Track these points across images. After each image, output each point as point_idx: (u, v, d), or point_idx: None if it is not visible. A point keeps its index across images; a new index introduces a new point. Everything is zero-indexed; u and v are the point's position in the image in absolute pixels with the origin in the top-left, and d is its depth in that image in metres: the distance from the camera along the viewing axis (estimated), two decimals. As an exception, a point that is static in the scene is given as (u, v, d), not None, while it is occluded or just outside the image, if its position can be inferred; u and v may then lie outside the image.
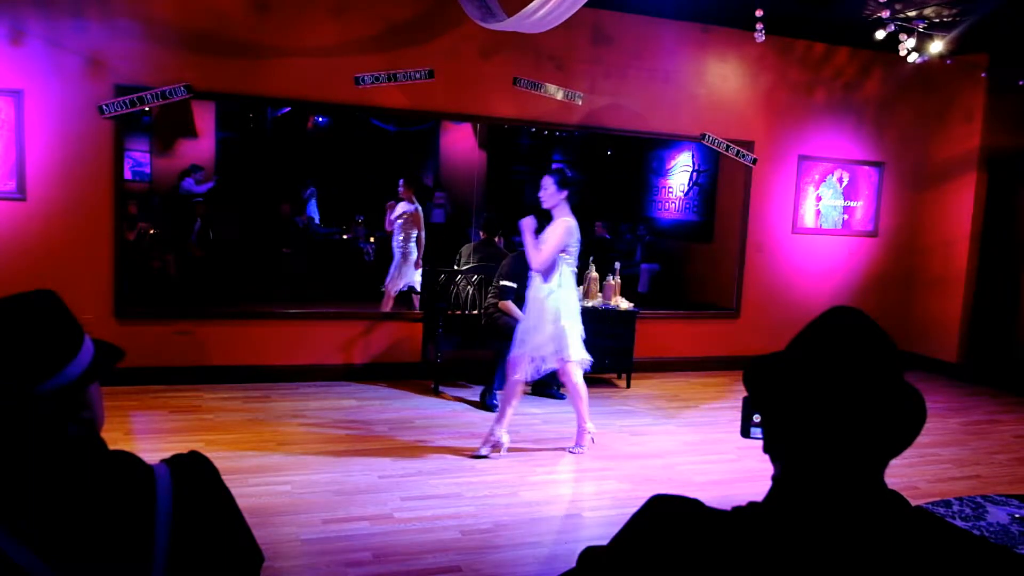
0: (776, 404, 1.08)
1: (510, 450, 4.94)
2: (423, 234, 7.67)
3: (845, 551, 0.99)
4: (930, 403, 1.08)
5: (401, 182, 7.71)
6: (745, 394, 1.36)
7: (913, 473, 4.85)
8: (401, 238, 7.65)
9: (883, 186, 8.12)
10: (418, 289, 7.58)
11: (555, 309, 4.74)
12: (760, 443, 1.33)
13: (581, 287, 6.90)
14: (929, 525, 1.03)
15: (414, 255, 7.65)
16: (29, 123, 5.59)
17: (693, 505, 1.09)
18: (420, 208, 7.73)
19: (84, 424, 1.28)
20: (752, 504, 1.07)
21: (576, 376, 4.91)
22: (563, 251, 4.74)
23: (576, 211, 4.86)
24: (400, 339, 6.72)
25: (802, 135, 7.74)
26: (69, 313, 1.29)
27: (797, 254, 7.89)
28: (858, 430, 1.02)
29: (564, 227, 4.73)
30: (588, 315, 6.65)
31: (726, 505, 1.10)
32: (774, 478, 1.08)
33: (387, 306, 7.61)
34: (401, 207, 7.65)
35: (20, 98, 5.55)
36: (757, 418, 1.30)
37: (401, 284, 7.67)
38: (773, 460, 1.09)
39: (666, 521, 1.08)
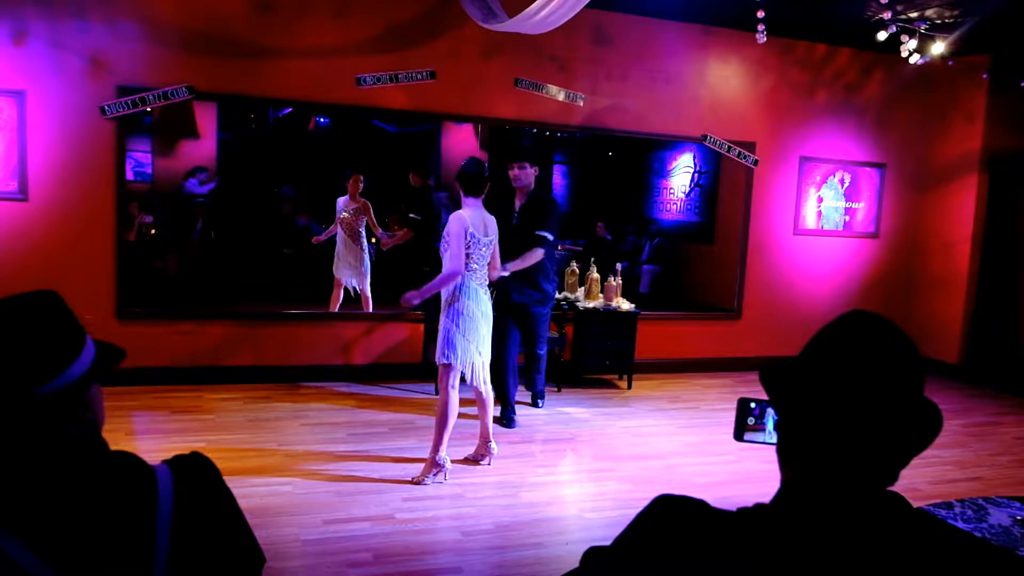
0: (795, 407, 1.07)
1: (513, 453, 4.94)
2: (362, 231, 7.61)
3: (848, 553, 0.99)
4: (931, 405, 1.07)
5: (348, 173, 7.52)
6: (741, 396, 1.35)
7: (914, 475, 4.85)
8: (346, 234, 7.55)
9: (884, 187, 8.11)
10: (367, 292, 7.53)
11: (445, 305, 4.49)
12: (756, 446, 1.33)
13: (582, 288, 6.92)
14: (930, 527, 1.03)
15: (363, 251, 7.57)
16: (31, 124, 5.60)
17: (699, 506, 1.09)
18: (366, 203, 7.58)
19: (85, 425, 1.28)
20: (759, 506, 1.07)
21: (442, 383, 4.46)
22: (468, 248, 4.38)
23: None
24: (401, 340, 6.72)
25: (803, 136, 7.74)
26: (71, 314, 1.29)
27: (798, 255, 7.89)
28: (877, 437, 1.01)
29: (450, 220, 4.43)
30: (589, 316, 6.68)
31: (728, 506, 1.10)
32: (784, 480, 1.08)
33: (337, 299, 7.51)
34: (341, 203, 7.56)
35: (22, 99, 5.55)
36: (751, 421, 1.29)
37: (353, 278, 7.55)
38: (784, 463, 1.09)
39: (671, 521, 1.08)
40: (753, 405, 1.28)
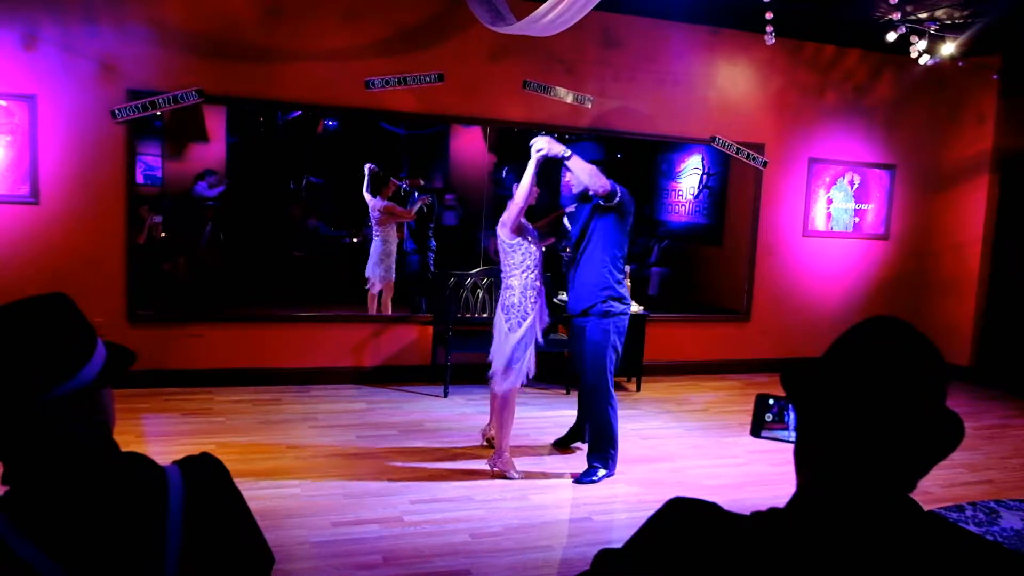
0: (816, 410, 1.06)
1: (520, 454, 4.94)
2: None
3: (861, 559, 0.98)
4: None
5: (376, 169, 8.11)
6: (758, 393, 1.34)
7: (926, 478, 4.79)
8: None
9: (894, 189, 8.08)
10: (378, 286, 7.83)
11: None
12: (767, 449, 1.32)
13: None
14: (942, 530, 1.02)
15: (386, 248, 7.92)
16: (43, 128, 5.64)
17: (712, 509, 1.08)
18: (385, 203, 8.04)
19: (96, 427, 1.28)
20: (773, 510, 1.06)
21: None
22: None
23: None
24: (410, 342, 6.73)
25: (812, 138, 7.71)
26: (82, 316, 1.30)
27: (808, 257, 7.86)
28: (898, 445, 1.00)
29: None
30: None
31: (738, 509, 1.09)
32: (800, 484, 1.07)
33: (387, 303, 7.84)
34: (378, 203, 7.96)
35: (34, 103, 5.59)
36: (769, 418, 1.28)
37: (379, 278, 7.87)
38: (801, 466, 1.08)
39: (685, 524, 1.07)
40: (771, 402, 1.27)
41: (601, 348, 4.58)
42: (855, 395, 1.01)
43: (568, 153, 4.36)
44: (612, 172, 4.69)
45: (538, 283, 4.54)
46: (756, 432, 1.33)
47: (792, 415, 1.24)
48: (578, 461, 5.00)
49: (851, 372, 1.03)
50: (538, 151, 4.36)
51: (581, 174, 4.41)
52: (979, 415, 6.64)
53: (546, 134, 4.44)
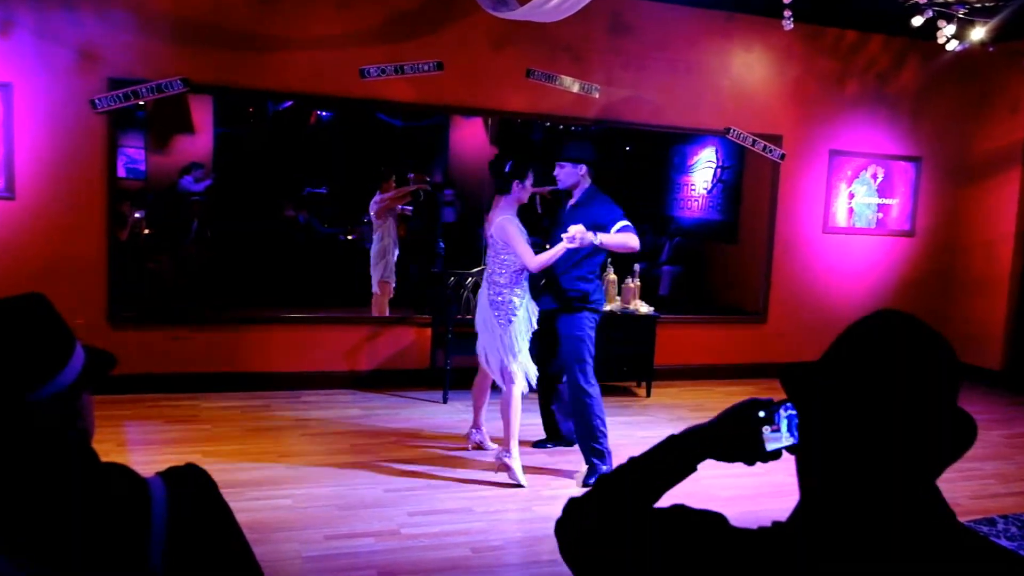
0: (818, 412, 1.06)
1: (523, 461, 4.94)
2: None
3: (878, 570, 0.97)
4: (972, 414, 1.06)
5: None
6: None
7: (954, 489, 4.81)
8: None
9: (920, 182, 8.06)
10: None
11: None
12: (789, 454, 1.32)
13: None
14: (972, 544, 1.01)
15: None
16: (18, 118, 5.64)
17: (718, 520, 1.09)
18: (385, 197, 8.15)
19: (75, 434, 1.28)
20: (777, 524, 1.06)
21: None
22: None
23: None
24: (408, 345, 6.74)
25: (833, 129, 7.70)
26: (60, 318, 1.29)
27: (828, 255, 7.85)
28: (906, 448, 1.00)
29: None
30: (605, 320, 6.65)
31: (752, 520, 1.09)
32: (804, 491, 1.07)
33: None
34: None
35: (8, 92, 5.60)
36: (766, 430, 1.27)
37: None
38: (804, 472, 1.07)
39: (688, 536, 1.08)
40: (762, 414, 1.27)
41: (580, 341, 4.91)
42: (861, 394, 1.01)
43: (599, 240, 4.64)
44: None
45: (526, 280, 4.81)
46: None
47: (784, 419, 1.24)
48: (583, 473, 4.99)
49: (856, 370, 1.02)
50: (570, 240, 4.55)
51: (615, 248, 4.80)
52: (1011, 422, 6.62)
53: (579, 233, 4.53)
